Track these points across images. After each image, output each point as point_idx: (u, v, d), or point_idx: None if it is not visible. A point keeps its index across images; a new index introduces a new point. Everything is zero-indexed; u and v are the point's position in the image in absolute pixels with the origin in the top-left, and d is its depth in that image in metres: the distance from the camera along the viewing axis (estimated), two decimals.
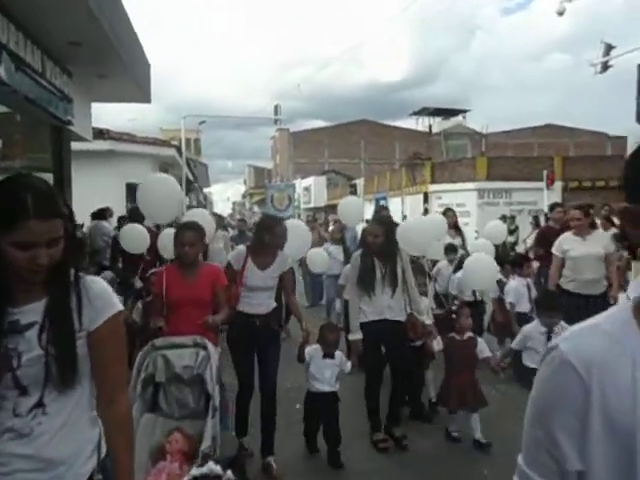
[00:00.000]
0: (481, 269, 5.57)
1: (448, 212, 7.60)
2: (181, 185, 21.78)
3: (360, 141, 48.30)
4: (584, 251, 5.53)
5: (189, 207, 27.89)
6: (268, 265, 4.01)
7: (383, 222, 4.79)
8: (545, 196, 19.50)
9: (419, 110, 47.31)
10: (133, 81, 7.16)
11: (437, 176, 22.85)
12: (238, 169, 78.49)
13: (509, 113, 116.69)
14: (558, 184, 20.47)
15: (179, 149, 18.90)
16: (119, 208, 11.78)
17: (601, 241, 5.68)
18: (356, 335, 4.30)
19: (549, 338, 4.24)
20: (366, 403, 4.47)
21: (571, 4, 15.28)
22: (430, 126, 48.34)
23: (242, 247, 4.21)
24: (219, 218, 14.01)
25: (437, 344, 4.50)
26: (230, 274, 3.97)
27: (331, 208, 35.68)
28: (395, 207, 24.07)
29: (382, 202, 25.92)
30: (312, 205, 36.97)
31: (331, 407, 4.09)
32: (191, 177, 24.84)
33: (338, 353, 4.12)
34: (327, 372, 4.03)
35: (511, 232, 14.33)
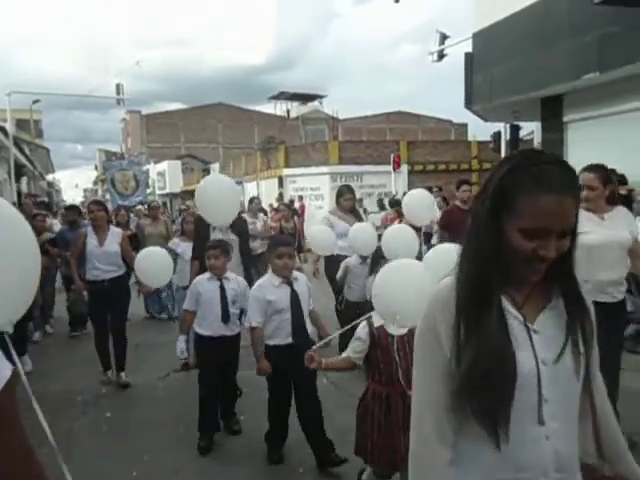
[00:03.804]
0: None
1: (346, 194, 6.24)
2: (9, 171, 19.64)
3: (218, 125, 47.14)
4: (606, 236, 3.59)
5: (27, 195, 25.24)
6: None
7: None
8: (393, 179, 20.29)
9: (277, 94, 47.30)
10: None
11: (291, 160, 22.83)
12: (89, 154, 73.38)
13: (364, 99, 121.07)
14: (404, 167, 21.39)
15: (4, 130, 16.85)
16: None
17: (625, 221, 3.76)
18: None
19: None
20: None
21: None
22: (288, 111, 48.60)
23: None
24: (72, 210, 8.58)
25: None
26: None
27: (187, 194, 34.48)
28: (251, 191, 23.77)
29: (239, 187, 25.43)
30: (167, 191, 35.45)
31: None
32: (25, 162, 22.47)
33: None
34: None
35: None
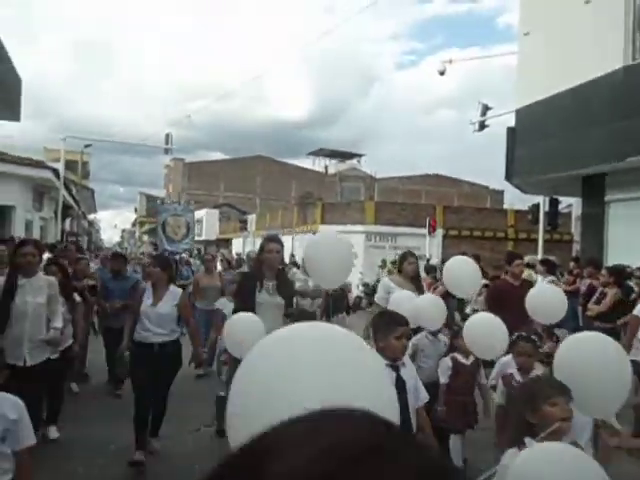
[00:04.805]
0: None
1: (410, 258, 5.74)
2: (56, 210, 20.44)
3: (256, 177, 48.29)
4: None
5: (70, 234, 26.10)
6: None
7: None
8: (427, 242, 20.31)
9: (316, 150, 48.41)
10: None
11: (327, 217, 23.17)
12: (130, 196, 75.73)
13: (401, 160, 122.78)
14: (440, 231, 21.44)
15: (55, 171, 17.63)
16: None
17: None
18: None
19: None
20: None
21: (453, 66, 16.39)
22: (326, 167, 49.58)
23: None
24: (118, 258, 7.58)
25: None
26: None
27: (223, 242, 35.07)
28: (286, 245, 24.08)
29: None
30: (203, 238, 36.15)
31: None
32: (71, 202, 23.37)
33: None
34: None
35: None
